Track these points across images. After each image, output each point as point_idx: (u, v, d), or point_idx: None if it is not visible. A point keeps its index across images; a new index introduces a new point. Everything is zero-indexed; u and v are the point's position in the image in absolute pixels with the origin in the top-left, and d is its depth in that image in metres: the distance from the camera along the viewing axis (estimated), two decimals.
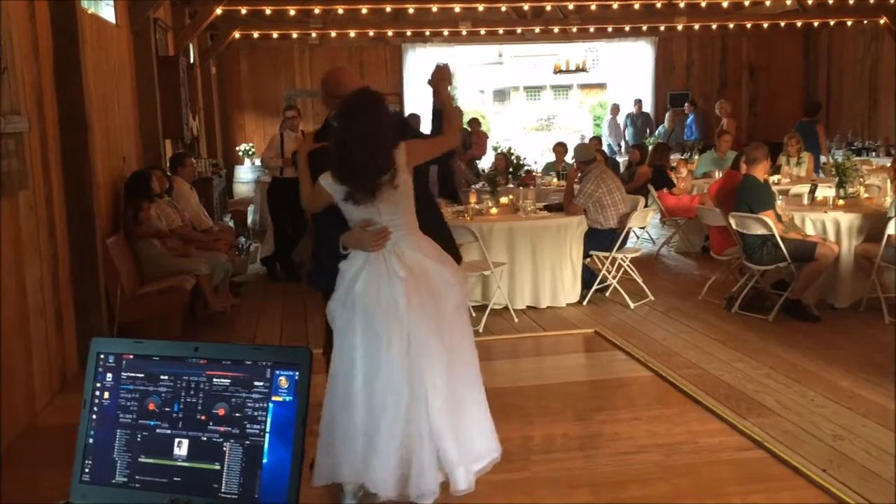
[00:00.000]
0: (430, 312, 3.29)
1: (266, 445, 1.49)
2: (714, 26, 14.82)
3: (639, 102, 15.55)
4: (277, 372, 1.51)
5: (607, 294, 7.38)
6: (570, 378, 5.51)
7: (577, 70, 16.21)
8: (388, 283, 3.28)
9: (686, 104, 15.50)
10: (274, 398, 1.51)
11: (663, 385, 5.11)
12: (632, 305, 7.01)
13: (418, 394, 3.22)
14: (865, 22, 13.97)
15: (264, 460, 1.49)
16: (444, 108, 3.65)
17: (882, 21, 13.28)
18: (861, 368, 5.20)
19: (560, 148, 11.35)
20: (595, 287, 7.27)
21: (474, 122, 13.58)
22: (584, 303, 7.20)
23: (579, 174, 7.66)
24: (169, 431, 1.55)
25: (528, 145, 17.59)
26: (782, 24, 14.65)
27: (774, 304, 6.50)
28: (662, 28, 14.93)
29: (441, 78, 3.68)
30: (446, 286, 3.36)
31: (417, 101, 13.94)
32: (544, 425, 4.53)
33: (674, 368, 5.35)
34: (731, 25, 14.76)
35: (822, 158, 11.29)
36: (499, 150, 11.00)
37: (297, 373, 1.50)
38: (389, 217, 3.33)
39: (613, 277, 7.23)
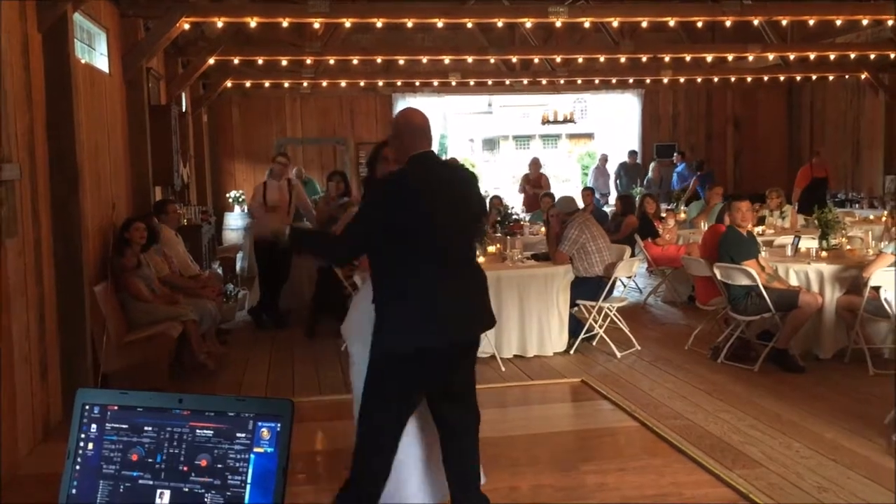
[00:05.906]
0: None
1: (247, 496, 1.50)
2: (699, 80, 15.08)
3: (633, 154, 15.71)
4: (259, 424, 1.53)
5: (594, 343, 7.40)
6: (556, 428, 5.51)
7: (565, 121, 16.35)
8: None
9: (675, 154, 15.72)
10: (255, 449, 1.52)
11: (649, 436, 5.12)
12: (618, 355, 7.03)
13: None
14: (847, 76, 14.26)
15: None
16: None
17: (863, 76, 13.57)
18: (845, 420, 5.22)
19: (547, 198, 11.44)
20: (582, 336, 7.30)
21: None
22: (571, 352, 7.21)
23: (563, 222, 7.70)
24: (151, 482, 1.55)
25: (517, 195, 17.70)
26: (765, 78, 14.93)
27: (760, 355, 6.54)
28: (648, 81, 15.20)
29: None
30: None
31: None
32: (531, 476, 4.52)
33: (660, 419, 5.36)
34: (716, 79, 15.02)
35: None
36: (489, 196, 11.08)
37: (278, 424, 1.52)
38: None
39: (600, 327, 7.26)
